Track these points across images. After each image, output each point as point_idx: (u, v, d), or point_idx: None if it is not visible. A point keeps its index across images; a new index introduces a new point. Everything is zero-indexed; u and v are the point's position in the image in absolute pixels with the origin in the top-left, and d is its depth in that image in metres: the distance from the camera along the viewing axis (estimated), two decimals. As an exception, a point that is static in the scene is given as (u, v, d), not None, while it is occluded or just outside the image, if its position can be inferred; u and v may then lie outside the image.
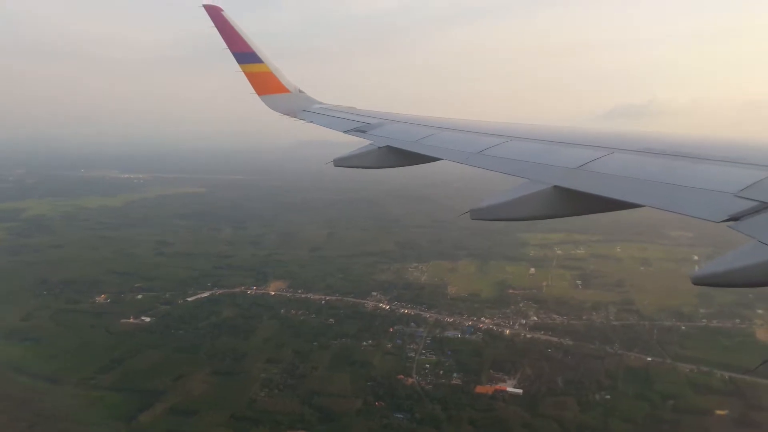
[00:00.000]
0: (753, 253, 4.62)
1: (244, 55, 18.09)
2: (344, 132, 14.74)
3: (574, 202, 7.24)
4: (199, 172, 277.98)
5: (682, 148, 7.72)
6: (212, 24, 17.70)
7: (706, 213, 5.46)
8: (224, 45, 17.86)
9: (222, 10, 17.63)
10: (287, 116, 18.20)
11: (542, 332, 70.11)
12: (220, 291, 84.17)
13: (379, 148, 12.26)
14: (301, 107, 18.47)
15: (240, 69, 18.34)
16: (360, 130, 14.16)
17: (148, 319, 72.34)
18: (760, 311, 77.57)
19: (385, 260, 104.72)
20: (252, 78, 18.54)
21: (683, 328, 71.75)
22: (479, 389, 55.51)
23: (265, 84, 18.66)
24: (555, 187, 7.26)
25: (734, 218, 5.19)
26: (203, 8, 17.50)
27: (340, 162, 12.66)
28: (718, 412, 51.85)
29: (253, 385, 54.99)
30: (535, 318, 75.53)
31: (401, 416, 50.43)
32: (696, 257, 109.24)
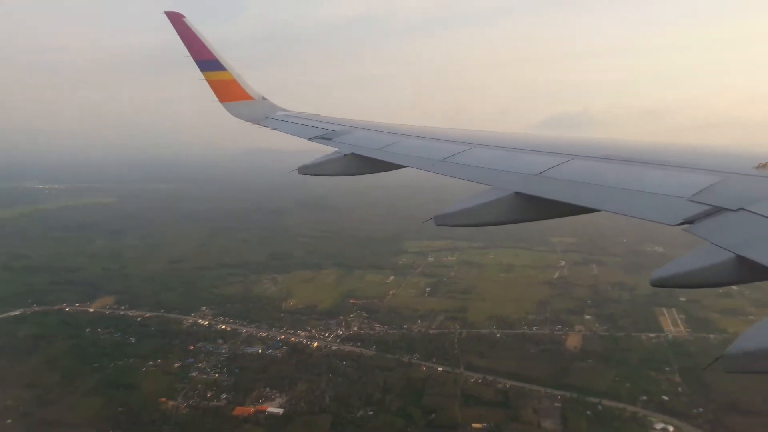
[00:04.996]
0: (707, 256, 4.75)
1: (207, 62, 17.82)
2: (309, 139, 14.20)
3: (535, 207, 7.31)
4: (124, 182, 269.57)
5: (638, 154, 8.02)
6: (174, 31, 17.35)
7: (661, 217, 5.56)
8: (186, 52, 17.50)
9: (184, 17, 17.32)
10: (250, 123, 17.79)
11: (351, 343, 67.77)
12: (37, 308, 79.13)
13: (345, 155, 11.91)
14: (264, 114, 18.15)
15: (202, 77, 18.02)
16: (325, 138, 13.73)
17: (-69, 341, 67.27)
18: (587, 317, 76.94)
19: (244, 272, 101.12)
20: (214, 85, 18.24)
21: (498, 335, 70.40)
22: (238, 410, 52.48)
23: (228, 91, 18.38)
24: (516, 193, 7.29)
25: (689, 221, 5.33)
26: (165, 15, 17.17)
27: (305, 170, 12.19)
28: (475, 425, 50.11)
29: (-13, 414, 50.84)
30: (355, 328, 73.26)
31: (130, 444, 47.14)
32: (563, 263, 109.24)
